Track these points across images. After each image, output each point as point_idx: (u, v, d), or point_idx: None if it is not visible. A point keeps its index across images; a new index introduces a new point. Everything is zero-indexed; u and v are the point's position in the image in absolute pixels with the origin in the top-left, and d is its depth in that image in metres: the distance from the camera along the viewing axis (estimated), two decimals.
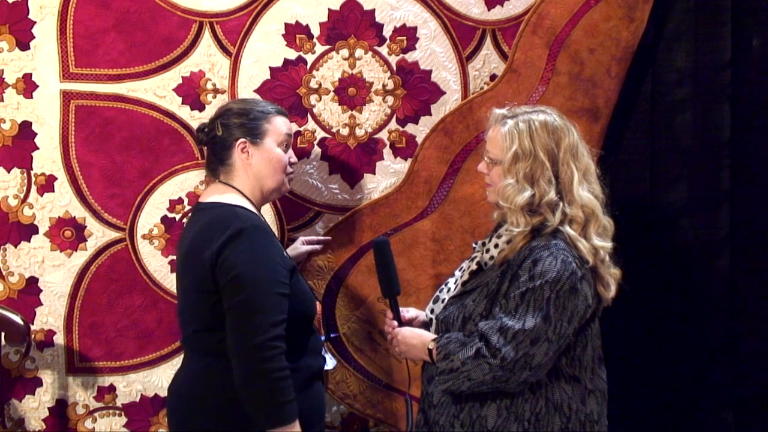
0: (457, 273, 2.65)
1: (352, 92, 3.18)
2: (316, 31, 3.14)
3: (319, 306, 2.80)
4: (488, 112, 2.59)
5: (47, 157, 3.06)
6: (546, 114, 2.48)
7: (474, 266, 2.56)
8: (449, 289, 2.62)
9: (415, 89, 3.19)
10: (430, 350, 2.51)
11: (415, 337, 2.60)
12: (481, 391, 2.41)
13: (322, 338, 2.81)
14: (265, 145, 2.64)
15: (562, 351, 2.40)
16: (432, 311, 2.64)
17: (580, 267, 2.37)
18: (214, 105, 3.06)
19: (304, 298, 2.62)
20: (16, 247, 3.08)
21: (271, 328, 2.41)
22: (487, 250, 2.53)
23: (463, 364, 2.39)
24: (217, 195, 2.63)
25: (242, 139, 2.61)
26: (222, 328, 2.46)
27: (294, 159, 2.76)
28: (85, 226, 3.10)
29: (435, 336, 2.54)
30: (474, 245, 2.63)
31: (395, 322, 2.65)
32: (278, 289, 2.46)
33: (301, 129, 3.17)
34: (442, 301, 2.61)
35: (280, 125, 2.68)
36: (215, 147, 2.64)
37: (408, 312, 2.74)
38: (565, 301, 2.34)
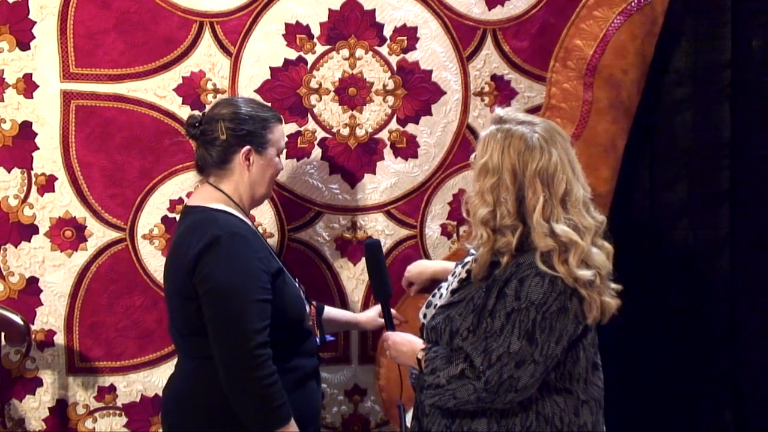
0: (450, 278, 2.61)
1: (352, 92, 3.18)
2: (316, 31, 3.13)
3: (312, 308, 2.79)
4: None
5: (47, 157, 3.05)
6: (532, 128, 2.37)
7: (464, 274, 2.52)
8: (441, 295, 2.59)
9: (416, 89, 3.19)
10: (419, 359, 2.50)
11: (405, 343, 2.58)
12: (467, 409, 2.39)
13: (318, 340, 2.79)
14: (267, 155, 2.65)
15: (551, 368, 2.35)
16: (425, 316, 2.61)
17: (569, 285, 2.29)
18: None
19: (291, 301, 2.61)
20: (16, 247, 3.07)
21: (254, 335, 2.41)
22: (476, 260, 2.46)
23: (449, 382, 2.36)
24: (203, 198, 2.63)
25: (248, 147, 2.61)
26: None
27: (282, 165, 2.78)
28: (86, 226, 3.10)
29: (424, 345, 2.51)
30: (469, 246, 2.60)
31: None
32: (258, 295, 2.45)
33: (302, 129, 3.17)
34: (434, 307, 2.57)
35: (279, 135, 2.70)
36: (213, 148, 2.62)
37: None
38: (552, 322, 2.28)
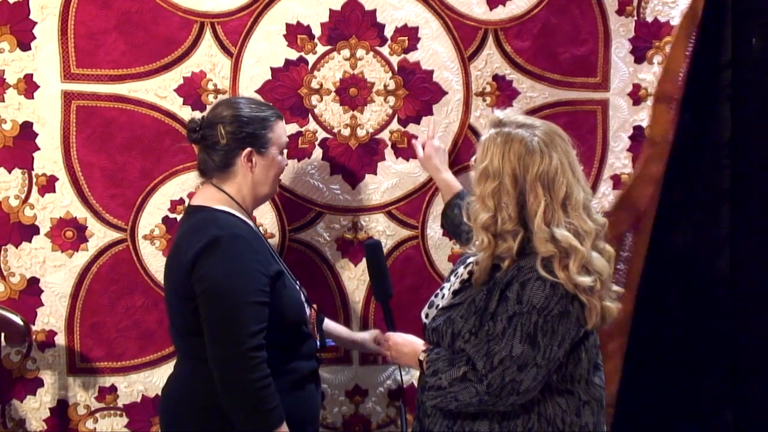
0: (452, 278, 2.61)
1: (353, 92, 3.17)
2: (317, 31, 3.13)
3: (313, 312, 2.79)
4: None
5: (48, 158, 3.04)
6: (532, 131, 2.37)
7: (466, 275, 2.52)
8: (443, 296, 2.59)
9: (417, 89, 3.19)
10: (420, 361, 2.50)
11: (406, 345, 2.59)
12: (469, 411, 2.40)
13: (317, 343, 2.79)
14: (269, 155, 2.64)
15: (553, 370, 2.35)
16: (426, 316, 2.61)
17: (569, 291, 2.30)
18: None
19: (290, 303, 2.61)
20: (17, 247, 3.06)
21: (249, 338, 2.40)
22: (477, 263, 2.46)
23: (451, 384, 2.37)
24: (206, 198, 2.63)
25: (249, 149, 2.61)
26: None
27: (287, 162, 2.78)
28: (86, 227, 3.09)
29: (425, 347, 2.52)
30: (470, 251, 2.59)
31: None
32: (255, 298, 2.45)
33: (303, 129, 3.16)
34: (436, 307, 2.57)
35: (280, 133, 2.70)
36: (215, 152, 2.62)
37: None
38: (554, 325, 2.28)
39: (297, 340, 2.65)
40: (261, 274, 2.49)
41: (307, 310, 2.73)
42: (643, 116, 3.32)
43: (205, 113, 2.73)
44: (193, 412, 2.56)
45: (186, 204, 3.10)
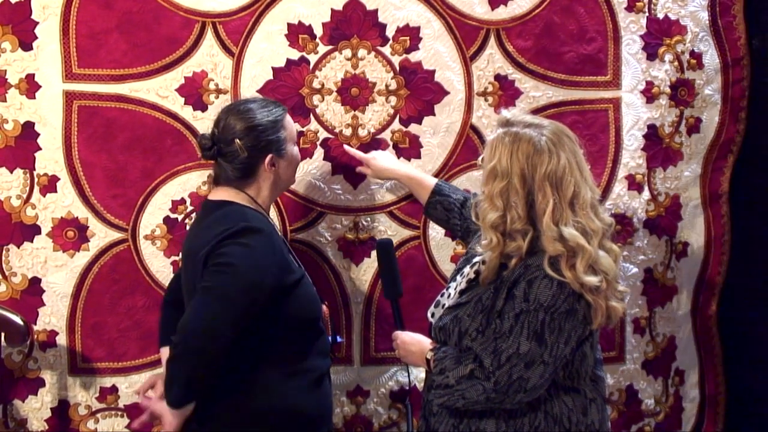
0: (459, 278, 2.61)
1: (354, 92, 3.17)
2: (318, 31, 3.13)
3: (325, 308, 2.80)
4: None
5: (50, 158, 3.04)
6: (540, 131, 2.38)
7: (472, 274, 2.53)
8: (449, 295, 2.59)
9: (419, 89, 3.18)
10: (427, 359, 2.50)
11: (414, 343, 2.59)
12: (476, 409, 2.41)
13: (329, 339, 2.81)
14: (287, 152, 2.67)
15: (560, 367, 2.37)
16: (432, 315, 2.62)
17: (576, 290, 2.31)
18: (216, 105, 3.04)
19: (309, 300, 2.62)
20: (18, 247, 3.06)
21: (231, 325, 2.40)
22: (483, 262, 2.47)
23: (458, 382, 2.38)
24: (228, 195, 2.64)
25: (271, 155, 2.62)
26: None
27: (299, 154, 2.80)
28: (88, 227, 3.09)
29: (433, 346, 2.53)
30: (478, 247, 2.59)
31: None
32: (254, 294, 2.45)
33: (304, 129, 3.16)
34: (442, 306, 2.58)
35: (291, 127, 2.72)
36: (235, 166, 2.63)
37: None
38: (561, 323, 2.30)
39: (314, 337, 2.66)
40: (274, 276, 2.49)
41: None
42: (657, 114, 3.30)
43: (211, 126, 2.71)
44: (205, 412, 2.54)
45: (189, 202, 3.11)
